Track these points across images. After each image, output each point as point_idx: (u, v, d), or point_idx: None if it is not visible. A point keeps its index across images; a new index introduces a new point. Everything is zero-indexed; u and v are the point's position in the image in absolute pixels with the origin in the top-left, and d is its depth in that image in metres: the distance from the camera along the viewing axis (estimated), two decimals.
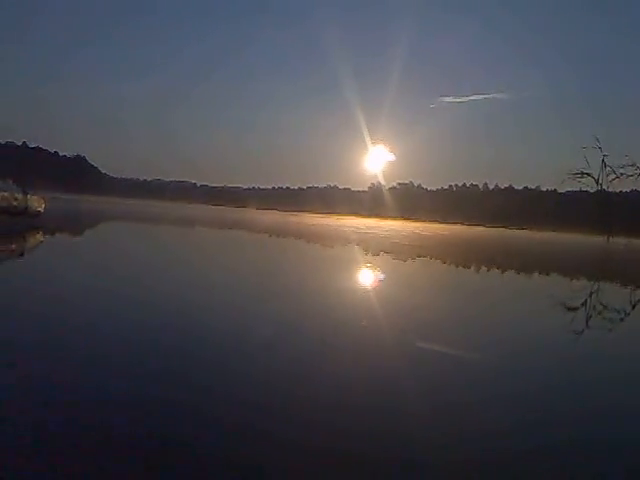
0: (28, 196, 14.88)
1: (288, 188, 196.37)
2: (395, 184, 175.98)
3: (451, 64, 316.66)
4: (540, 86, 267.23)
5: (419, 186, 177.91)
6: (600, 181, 64.19)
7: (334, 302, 7.28)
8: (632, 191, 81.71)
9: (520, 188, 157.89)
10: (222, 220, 43.14)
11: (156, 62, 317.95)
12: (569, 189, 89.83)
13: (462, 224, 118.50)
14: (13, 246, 11.19)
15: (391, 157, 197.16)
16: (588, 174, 63.90)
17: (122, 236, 17.91)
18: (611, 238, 62.66)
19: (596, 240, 61.25)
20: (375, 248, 22.00)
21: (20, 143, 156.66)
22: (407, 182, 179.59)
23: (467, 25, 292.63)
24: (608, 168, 63.35)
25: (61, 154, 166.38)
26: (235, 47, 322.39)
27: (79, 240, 14.99)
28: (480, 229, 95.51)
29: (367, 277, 11.04)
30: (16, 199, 14.07)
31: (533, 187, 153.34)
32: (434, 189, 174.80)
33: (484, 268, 17.25)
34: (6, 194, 13.53)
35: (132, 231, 21.92)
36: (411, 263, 16.15)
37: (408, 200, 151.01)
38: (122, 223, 27.14)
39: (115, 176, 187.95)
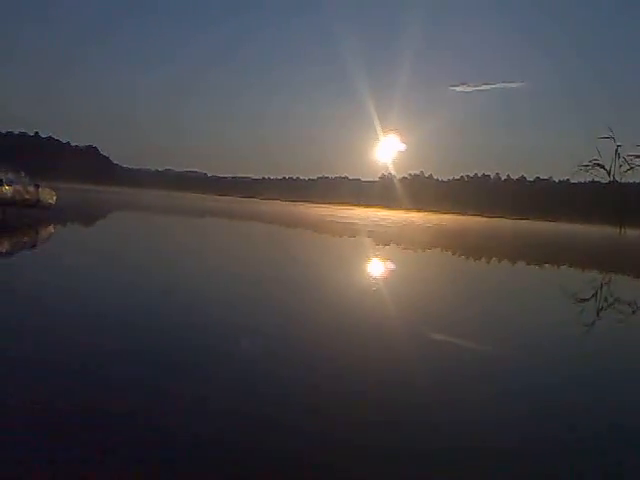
0: (40, 189, 15.07)
1: (298, 178, 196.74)
2: (406, 174, 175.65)
3: (463, 53, 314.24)
4: (553, 75, 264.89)
5: (430, 176, 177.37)
6: (613, 172, 63.40)
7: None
8: None
9: (532, 179, 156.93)
10: (230, 212, 43.35)
11: (167, 53, 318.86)
12: (581, 180, 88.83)
13: (474, 215, 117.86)
14: (25, 238, 11.41)
15: (402, 147, 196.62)
16: (600, 165, 63.06)
17: (134, 229, 18.07)
18: (624, 229, 61.97)
19: (608, 231, 60.66)
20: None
21: (32, 134, 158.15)
22: (418, 172, 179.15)
23: (479, 14, 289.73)
24: (621, 159, 62.56)
25: (73, 144, 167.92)
26: (245, 37, 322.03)
27: (89, 232, 15.21)
28: (490, 220, 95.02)
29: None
30: (28, 192, 14.25)
31: (546, 177, 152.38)
32: (445, 179, 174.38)
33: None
34: (18, 187, 13.71)
35: (143, 223, 22.12)
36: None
37: (419, 190, 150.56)
38: (133, 215, 27.34)
39: (126, 166, 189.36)
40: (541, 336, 5.97)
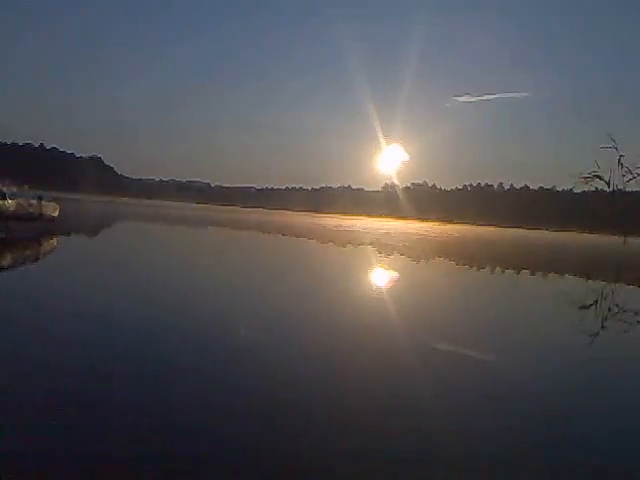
0: (43, 202, 15.20)
1: (301, 188, 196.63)
2: (409, 184, 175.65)
3: (466, 63, 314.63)
4: (556, 85, 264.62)
5: (433, 186, 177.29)
6: (614, 182, 63.28)
7: None
8: None
9: (535, 188, 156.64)
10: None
11: (171, 63, 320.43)
12: (585, 189, 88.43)
13: (475, 224, 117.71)
14: (28, 251, 11.48)
15: (405, 157, 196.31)
16: (599, 177, 62.98)
17: (138, 243, 18.06)
18: (627, 239, 61.75)
19: (612, 240, 60.44)
20: None
21: (37, 145, 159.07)
22: (421, 182, 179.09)
23: (482, 24, 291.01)
24: (624, 168, 62.47)
25: (77, 155, 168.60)
26: (248, 48, 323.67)
27: (91, 245, 15.27)
28: (485, 229, 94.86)
29: None
30: (31, 205, 14.39)
31: (549, 187, 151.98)
32: (449, 189, 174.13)
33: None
34: (22, 201, 13.84)
35: (147, 236, 22.19)
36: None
37: (422, 200, 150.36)
38: (138, 228, 27.45)
39: (130, 176, 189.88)
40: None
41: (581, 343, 6.79)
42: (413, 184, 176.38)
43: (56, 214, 16.44)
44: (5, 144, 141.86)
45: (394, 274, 13.57)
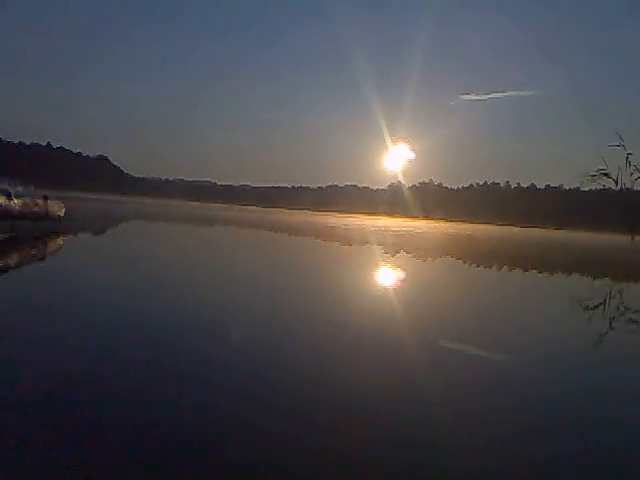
0: (48, 201, 15.19)
1: (308, 187, 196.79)
2: (415, 182, 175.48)
3: (472, 61, 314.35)
4: (562, 83, 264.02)
5: (440, 185, 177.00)
6: (622, 180, 62.83)
7: None
8: None
9: (542, 187, 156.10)
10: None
11: (178, 63, 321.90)
12: (592, 187, 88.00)
13: (482, 223, 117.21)
14: (34, 251, 11.45)
15: (411, 156, 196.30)
16: (607, 175, 62.48)
17: (146, 241, 17.97)
18: (635, 237, 61.27)
19: (620, 239, 60.00)
20: None
21: (44, 144, 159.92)
22: (427, 181, 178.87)
23: (489, 22, 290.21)
24: (632, 166, 62.03)
25: (84, 154, 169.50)
26: (255, 47, 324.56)
27: (98, 244, 15.23)
28: (490, 228, 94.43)
29: None
30: (37, 204, 14.37)
31: (556, 185, 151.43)
32: (455, 188, 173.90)
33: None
34: (27, 200, 13.82)
35: (156, 235, 22.17)
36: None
37: (428, 199, 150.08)
38: (146, 227, 27.45)
39: (137, 176, 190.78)
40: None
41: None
42: (419, 182, 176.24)
43: (62, 213, 16.43)
44: (12, 143, 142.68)
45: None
